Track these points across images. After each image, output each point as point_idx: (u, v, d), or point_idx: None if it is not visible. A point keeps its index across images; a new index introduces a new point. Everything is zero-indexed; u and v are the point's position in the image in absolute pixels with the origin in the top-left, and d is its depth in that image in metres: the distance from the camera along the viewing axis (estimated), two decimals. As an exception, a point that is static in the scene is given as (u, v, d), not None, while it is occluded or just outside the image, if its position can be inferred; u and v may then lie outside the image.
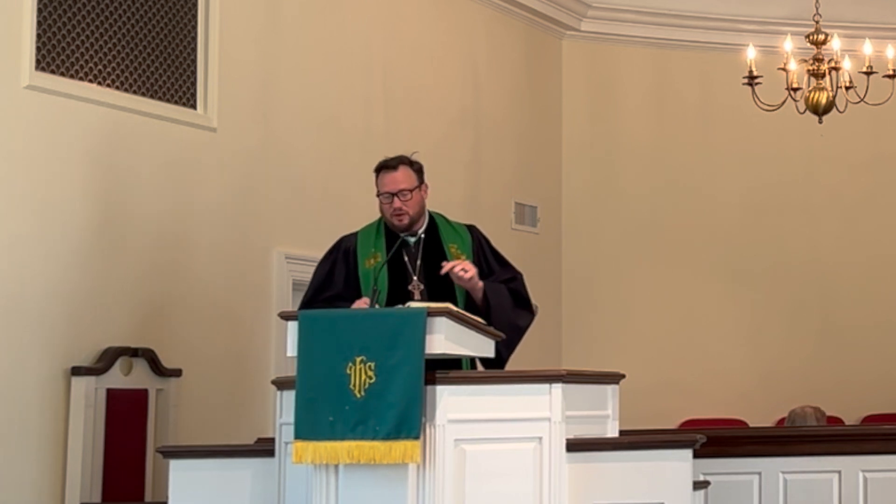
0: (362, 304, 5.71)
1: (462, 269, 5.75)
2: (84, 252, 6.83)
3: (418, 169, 5.94)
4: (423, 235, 5.97)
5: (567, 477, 5.23)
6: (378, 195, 5.90)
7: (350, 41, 8.67)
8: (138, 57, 7.21)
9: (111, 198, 7.00)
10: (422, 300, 5.76)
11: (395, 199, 5.84)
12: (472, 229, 6.09)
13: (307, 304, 5.91)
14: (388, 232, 5.94)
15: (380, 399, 5.08)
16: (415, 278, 5.88)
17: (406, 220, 5.87)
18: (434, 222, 6.02)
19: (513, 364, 5.86)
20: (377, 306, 5.56)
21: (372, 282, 5.71)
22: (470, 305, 5.83)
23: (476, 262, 5.91)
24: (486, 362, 5.67)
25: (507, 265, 6.03)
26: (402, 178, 5.86)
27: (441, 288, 5.86)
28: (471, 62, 9.86)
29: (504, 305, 5.88)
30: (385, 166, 5.90)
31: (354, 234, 6.01)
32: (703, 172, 10.95)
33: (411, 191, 5.86)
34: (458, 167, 9.57)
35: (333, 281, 5.90)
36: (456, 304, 5.70)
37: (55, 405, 6.64)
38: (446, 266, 5.77)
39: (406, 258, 5.92)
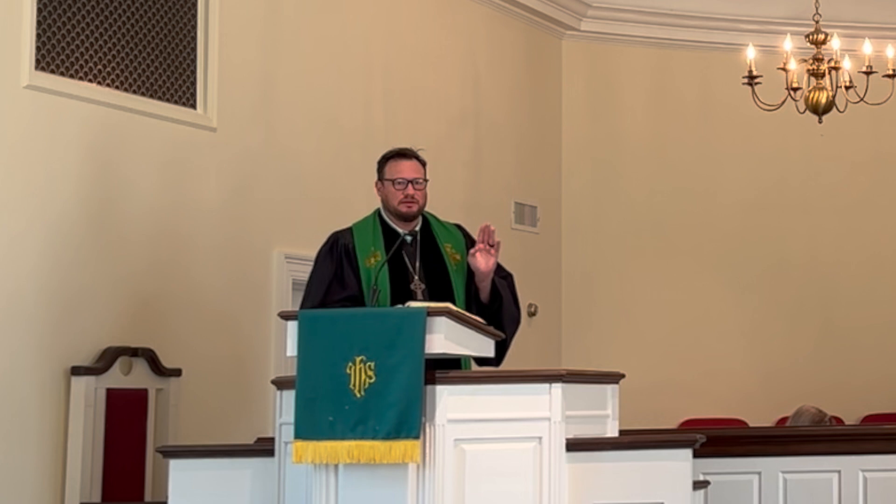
0: None
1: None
2: (84, 251, 6.83)
3: (424, 164, 6.02)
4: (418, 233, 5.99)
5: (567, 477, 5.23)
6: (386, 182, 5.93)
7: (350, 41, 8.67)
8: (138, 57, 7.22)
9: (111, 197, 7.00)
10: (424, 299, 5.77)
11: (410, 185, 5.89)
12: (460, 228, 6.14)
13: (318, 307, 5.81)
14: (385, 229, 5.95)
15: (380, 399, 5.08)
16: (416, 277, 5.88)
17: (415, 209, 5.93)
18: (427, 221, 6.05)
19: (513, 363, 5.86)
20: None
21: (373, 281, 5.72)
22: (469, 304, 5.86)
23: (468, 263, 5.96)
24: (482, 362, 5.71)
25: (499, 264, 6.04)
26: (415, 167, 5.95)
27: (440, 287, 5.89)
28: (471, 62, 9.86)
29: (509, 300, 5.98)
30: (401, 154, 5.98)
31: (349, 231, 5.98)
32: (703, 172, 10.95)
33: (424, 181, 5.94)
34: (458, 167, 9.57)
35: (345, 282, 5.83)
36: (455, 303, 5.72)
37: (55, 405, 6.63)
38: (487, 231, 5.82)
39: (405, 257, 5.92)
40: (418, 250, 5.96)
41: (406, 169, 5.92)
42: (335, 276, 5.88)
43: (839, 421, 9.94)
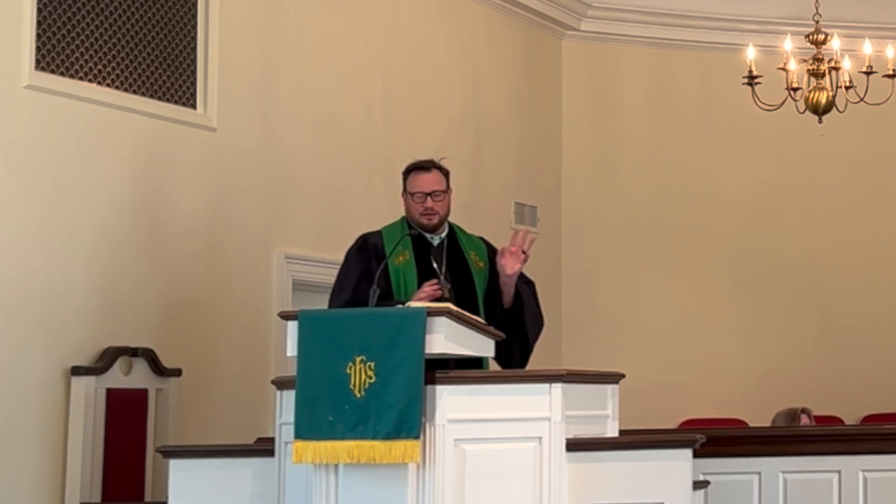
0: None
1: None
2: (83, 251, 6.83)
3: (447, 174, 6.15)
4: (444, 239, 6.11)
5: (567, 477, 5.23)
6: (407, 194, 6.06)
7: (350, 41, 8.67)
8: (138, 57, 7.22)
9: (111, 197, 7.00)
10: (450, 298, 5.86)
11: (429, 198, 6.01)
12: (484, 240, 6.27)
13: (349, 303, 5.92)
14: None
15: (380, 399, 5.08)
16: (442, 277, 6.00)
17: (435, 220, 6.05)
18: (453, 230, 6.18)
19: (513, 363, 5.89)
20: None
21: (400, 279, 5.86)
22: (490, 308, 5.99)
23: (491, 270, 6.09)
24: (507, 363, 5.85)
25: (522, 272, 6.16)
26: (435, 179, 6.06)
27: (464, 289, 6.01)
28: (471, 62, 9.86)
29: (531, 303, 6.16)
30: (419, 167, 6.08)
31: (378, 233, 6.10)
32: (703, 172, 10.95)
33: (443, 192, 6.06)
34: (458, 167, 9.50)
35: (375, 279, 5.82)
36: (478, 305, 5.92)
37: (55, 405, 6.63)
38: (524, 237, 5.99)
39: (433, 260, 6.04)
40: (444, 254, 6.08)
41: (424, 182, 6.04)
42: (363, 274, 5.95)
43: (839, 421, 9.95)
